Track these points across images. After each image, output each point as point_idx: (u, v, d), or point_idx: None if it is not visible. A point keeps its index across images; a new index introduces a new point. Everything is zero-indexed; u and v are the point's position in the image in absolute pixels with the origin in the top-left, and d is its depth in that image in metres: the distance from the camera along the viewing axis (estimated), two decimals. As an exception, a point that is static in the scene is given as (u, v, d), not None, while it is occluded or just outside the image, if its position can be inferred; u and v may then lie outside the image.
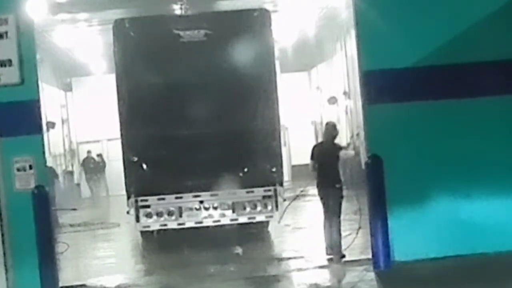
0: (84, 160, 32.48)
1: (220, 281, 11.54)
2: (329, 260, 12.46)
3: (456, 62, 10.90)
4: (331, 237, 12.55)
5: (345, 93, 28.44)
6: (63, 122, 32.25)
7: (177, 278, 12.13)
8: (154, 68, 15.05)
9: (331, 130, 12.88)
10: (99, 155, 32.13)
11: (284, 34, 26.19)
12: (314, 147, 13.14)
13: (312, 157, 12.73)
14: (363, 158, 15.68)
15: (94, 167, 32.17)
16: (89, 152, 32.16)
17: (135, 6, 20.46)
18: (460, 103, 10.89)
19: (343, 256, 12.43)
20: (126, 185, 15.38)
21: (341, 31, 26.97)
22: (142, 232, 16.01)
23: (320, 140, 33.41)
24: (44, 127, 15.08)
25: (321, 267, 12.40)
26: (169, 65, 14.99)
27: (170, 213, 14.76)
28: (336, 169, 12.58)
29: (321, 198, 12.71)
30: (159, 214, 14.76)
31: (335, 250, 12.48)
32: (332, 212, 12.55)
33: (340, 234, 12.53)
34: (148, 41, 15.12)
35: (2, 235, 10.72)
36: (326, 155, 12.57)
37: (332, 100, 30.49)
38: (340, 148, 13.09)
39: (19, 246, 10.71)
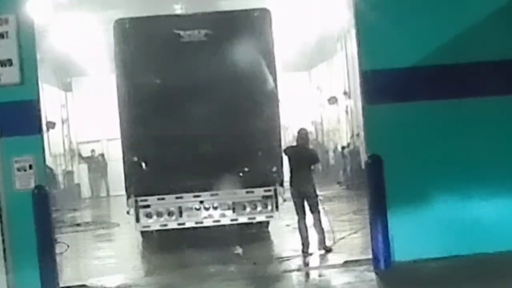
0: (87, 159, 32.49)
1: (220, 281, 11.54)
2: (304, 253, 13.25)
3: (456, 62, 10.90)
4: (317, 232, 13.49)
5: (345, 93, 28.48)
6: (63, 122, 32.26)
7: (177, 278, 12.13)
8: (154, 68, 15.05)
9: (304, 136, 13.80)
10: (101, 155, 32.10)
11: (284, 34, 26.20)
12: (288, 148, 14.35)
13: (285, 152, 14.13)
14: (363, 158, 15.71)
15: (96, 166, 32.22)
16: (92, 151, 32.20)
17: (135, 6, 20.46)
18: (460, 103, 10.89)
19: (330, 249, 13.34)
20: (126, 185, 15.38)
21: (341, 31, 26.99)
22: (142, 232, 16.01)
23: (318, 140, 33.61)
24: (44, 127, 15.07)
25: (321, 267, 12.42)
26: (169, 65, 14.98)
27: (170, 213, 14.76)
28: (310, 171, 13.50)
29: (296, 198, 13.44)
30: (159, 214, 14.76)
31: (320, 244, 13.45)
32: (313, 208, 13.42)
33: (322, 229, 13.47)
34: (148, 41, 15.10)
35: (2, 235, 10.72)
36: (302, 158, 13.45)
37: (332, 100, 30.54)
38: (315, 152, 14.58)
39: (19, 246, 10.70)
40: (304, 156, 13.53)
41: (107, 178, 31.80)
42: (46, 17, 20.48)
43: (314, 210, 13.41)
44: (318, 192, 13.74)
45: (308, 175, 13.43)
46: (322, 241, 13.45)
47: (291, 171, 13.54)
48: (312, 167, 13.53)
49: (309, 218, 13.47)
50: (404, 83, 10.93)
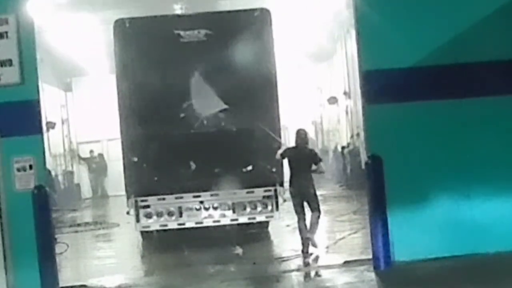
0: (86, 159, 32.49)
1: (220, 281, 11.53)
2: (304, 254, 13.21)
3: (456, 62, 10.90)
4: (310, 226, 13.45)
5: (345, 93, 28.48)
6: (63, 122, 32.25)
7: (177, 278, 12.12)
8: (154, 68, 15.04)
9: (303, 136, 13.74)
10: (100, 155, 32.10)
11: (284, 34, 26.18)
12: (287, 149, 14.12)
13: (282, 155, 13.81)
14: (363, 158, 15.70)
15: (96, 167, 32.23)
16: (91, 152, 32.21)
17: (135, 6, 20.46)
18: (460, 103, 10.88)
19: (316, 246, 13.45)
20: (126, 185, 15.38)
21: (341, 31, 27.00)
22: (142, 232, 16.01)
23: (319, 141, 33.60)
24: (44, 127, 15.08)
25: (321, 267, 12.41)
26: (169, 65, 14.98)
27: (170, 213, 14.76)
28: (310, 171, 13.48)
29: (295, 198, 13.45)
30: (159, 214, 14.76)
31: (306, 242, 13.46)
32: (314, 208, 13.44)
33: (317, 225, 13.52)
34: (148, 41, 15.10)
35: (2, 235, 10.72)
36: (301, 159, 13.45)
37: (332, 100, 30.56)
38: (315, 152, 14.43)
39: (19, 246, 10.70)
40: (304, 156, 13.52)
41: (105, 179, 31.77)
42: (46, 17, 20.47)
43: (315, 210, 13.42)
44: (317, 192, 13.73)
45: (308, 176, 13.42)
46: (311, 238, 13.42)
47: (291, 172, 13.54)
48: (314, 167, 13.50)
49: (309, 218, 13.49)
50: (404, 83, 10.92)
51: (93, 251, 16.95)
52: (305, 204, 13.48)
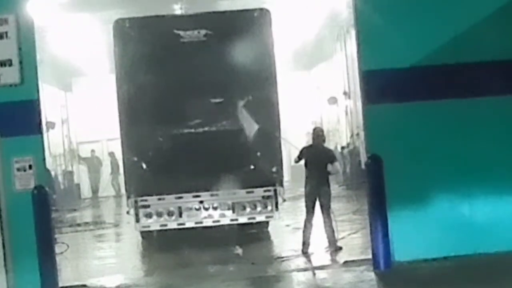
0: (86, 159, 32.45)
1: (220, 281, 11.53)
2: (304, 253, 13.22)
3: (456, 62, 10.90)
4: (326, 233, 13.45)
5: (345, 93, 28.47)
6: (63, 122, 32.23)
7: (177, 278, 12.12)
8: (154, 68, 15.04)
9: (320, 134, 13.78)
10: (112, 153, 31.48)
11: (284, 34, 26.19)
12: (304, 148, 13.96)
13: (300, 156, 13.65)
14: (363, 158, 15.71)
15: (97, 164, 32.18)
16: (93, 151, 32.19)
17: (135, 6, 20.45)
18: (460, 103, 10.89)
19: (340, 248, 13.29)
20: (126, 185, 15.39)
21: (341, 31, 27.00)
22: (142, 232, 16.01)
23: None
24: (44, 127, 15.08)
25: (321, 267, 12.41)
26: (169, 65, 14.98)
27: (170, 213, 14.76)
28: (326, 170, 13.36)
29: (308, 197, 13.40)
30: (159, 214, 14.76)
31: (331, 244, 13.37)
32: (325, 208, 13.35)
33: (333, 228, 13.37)
34: (148, 41, 15.10)
35: (2, 235, 10.73)
36: (317, 157, 13.39)
37: (332, 100, 30.53)
38: (331, 151, 14.27)
39: (19, 246, 10.71)
40: (320, 155, 13.47)
41: (119, 177, 31.58)
42: (46, 17, 20.47)
43: (326, 210, 13.36)
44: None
45: (325, 174, 13.36)
46: (332, 240, 13.42)
47: (306, 171, 13.51)
48: (329, 167, 13.42)
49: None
50: (404, 83, 10.93)
51: (93, 251, 16.94)
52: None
